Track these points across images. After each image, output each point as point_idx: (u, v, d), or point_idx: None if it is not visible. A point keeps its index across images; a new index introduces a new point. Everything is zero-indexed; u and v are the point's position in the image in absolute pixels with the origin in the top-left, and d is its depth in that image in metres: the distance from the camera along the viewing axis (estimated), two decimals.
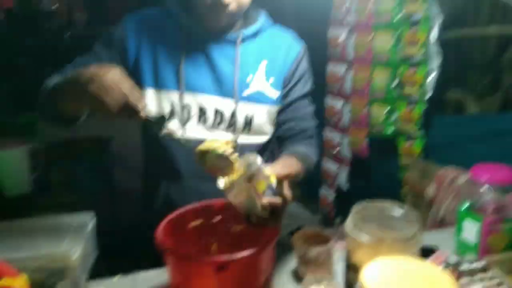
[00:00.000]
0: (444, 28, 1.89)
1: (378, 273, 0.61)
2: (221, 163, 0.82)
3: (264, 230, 0.94)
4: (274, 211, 0.82)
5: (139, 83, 1.05)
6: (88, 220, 0.88)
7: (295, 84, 1.15)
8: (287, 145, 1.15)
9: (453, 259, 0.86)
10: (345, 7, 2.22)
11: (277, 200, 0.81)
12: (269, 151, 1.19)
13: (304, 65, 1.17)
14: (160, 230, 0.86)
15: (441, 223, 1.72)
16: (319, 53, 1.21)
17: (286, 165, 0.99)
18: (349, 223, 0.78)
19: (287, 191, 0.84)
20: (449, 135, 1.96)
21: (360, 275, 0.61)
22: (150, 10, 1.12)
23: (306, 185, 3.01)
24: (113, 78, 0.76)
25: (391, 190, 2.14)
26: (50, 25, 7.84)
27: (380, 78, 2.08)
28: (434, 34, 1.87)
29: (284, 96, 1.14)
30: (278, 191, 0.82)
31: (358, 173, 2.40)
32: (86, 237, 0.84)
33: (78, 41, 7.00)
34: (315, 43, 1.20)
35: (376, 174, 2.36)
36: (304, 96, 1.17)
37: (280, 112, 1.15)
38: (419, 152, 2.00)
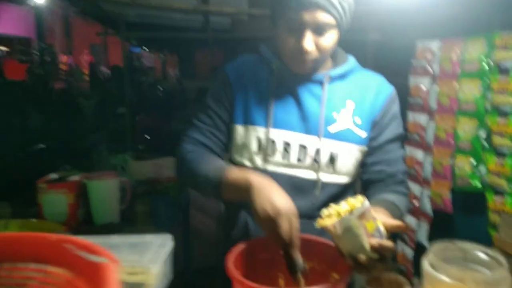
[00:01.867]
0: None
1: None
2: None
3: (335, 269, 0.92)
4: (382, 257, 0.79)
5: (232, 121, 1.15)
6: (167, 241, 0.94)
7: (386, 126, 1.13)
8: (374, 190, 1.12)
9: None
10: (427, 56, 2.20)
11: (388, 243, 0.78)
12: (351, 194, 1.17)
13: (395, 108, 1.15)
14: (231, 259, 0.88)
15: None
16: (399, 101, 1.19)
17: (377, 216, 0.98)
18: (426, 261, 0.73)
19: (390, 243, 0.80)
20: None
21: None
22: (246, 57, 1.23)
23: None
24: (291, 214, 0.87)
25: None
26: (147, 78, 8.72)
27: (466, 128, 1.97)
28: None
29: (373, 138, 1.12)
30: (385, 237, 0.81)
31: (440, 229, 2.23)
32: (165, 256, 0.89)
33: (170, 93, 7.70)
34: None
35: (461, 232, 2.17)
36: (394, 140, 1.14)
37: (369, 155, 1.13)
38: (510, 209, 1.82)
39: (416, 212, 2.30)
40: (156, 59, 13.42)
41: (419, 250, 2.28)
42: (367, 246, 0.77)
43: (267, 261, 0.98)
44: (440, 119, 2.12)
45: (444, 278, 0.68)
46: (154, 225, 1.91)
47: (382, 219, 0.83)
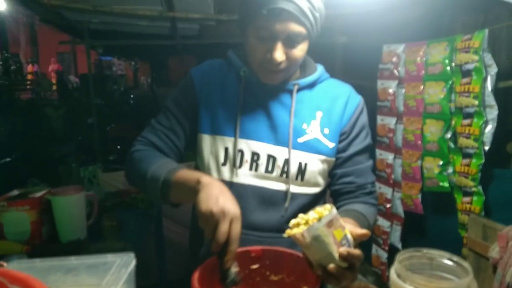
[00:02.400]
0: (501, 78, 1.83)
1: None
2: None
3: (304, 281, 0.90)
4: (351, 265, 0.78)
5: (197, 129, 1.11)
6: (129, 261, 0.89)
7: (354, 138, 1.11)
8: (344, 201, 1.11)
9: None
10: (393, 60, 2.23)
11: (356, 251, 0.77)
12: (321, 204, 1.15)
13: (363, 118, 1.12)
14: (196, 277, 0.84)
15: None
16: (367, 106, 1.18)
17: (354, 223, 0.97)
18: (393, 272, 0.72)
19: (358, 252, 0.79)
20: (511, 190, 1.81)
21: None
22: (214, 61, 1.18)
23: (358, 244, 2.87)
24: (233, 214, 0.81)
25: (450, 250, 1.97)
26: (119, 87, 8.55)
27: (433, 130, 2.01)
28: (489, 84, 1.80)
29: (342, 149, 1.10)
30: (355, 246, 0.80)
31: (412, 230, 2.26)
32: (126, 277, 0.85)
33: (142, 101, 7.58)
34: (362, 96, 1.17)
35: (433, 232, 2.21)
36: (363, 151, 1.12)
37: (337, 166, 1.11)
38: (479, 209, 1.86)
39: (388, 214, 2.33)
40: (127, 67, 13.20)
41: (393, 252, 2.30)
42: (336, 255, 0.76)
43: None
44: (408, 122, 2.15)
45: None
46: (124, 239, 1.85)
47: (349, 228, 0.82)
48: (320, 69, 1.15)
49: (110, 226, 1.84)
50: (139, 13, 2.55)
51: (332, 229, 0.75)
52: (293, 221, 0.83)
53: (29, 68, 9.28)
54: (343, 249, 0.76)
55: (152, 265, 2.70)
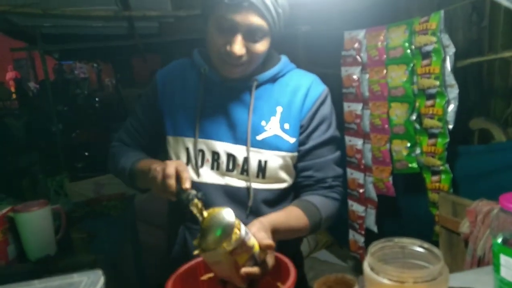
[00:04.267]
0: (459, 57, 1.87)
1: None
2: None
3: (279, 280, 0.89)
4: (252, 281, 0.81)
5: (163, 132, 1.13)
6: (96, 279, 0.86)
7: (314, 130, 1.07)
8: (303, 195, 1.09)
9: None
10: (355, 46, 2.24)
11: (255, 270, 0.79)
12: (290, 199, 1.13)
13: (325, 109, 1.08)
14: (170, 284, 0.82)
15: (480, 263, 1.59)
16: (333, 93, 1.15)
17: (286, 215, 0.98)
18: (366, 264, 0.71)
19: (270, 258, 0.82)
20: (477, 166, 1.87)
21: None
22: (178, 61, 1.19)
23: (335, 230, 2.91)
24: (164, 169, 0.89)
25: (424, 229, 2.03)
26: (82, 90, 8.28)
27: (398, 113, 2.04)
28: (448, 64, 1.84)
29: (301, 143, 1.08)
30: (260, 259, 0.81)
31: (386, 213, 2.30)
32: None
33: (108, 103, 7.37)
34: (328, 84, 1.14)
35: (406, 213, 2.26)
36: (323, 144, 1.08)
37: (298, 159, 1.09)
38: (447, 187, 1.91)
39: (362, 199, 2.36)
40: (90, 69, 12.80)
41: (370, 236, 2.34)
42: (236, 278, 0.79)
43: (212, 281, 0.93)
44: (373, 107, 2.17)
45: (384, 280, 0.67)
46: (97, 250, 1.79)
47: (258, 238, 0.82)
48: (282, 61, 1.11)
49: (80, 239, 1.78)
50: (93, 14, 2.45)
51: (235, 256, 0.76)
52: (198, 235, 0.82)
53: None
54: (244, 271, 0.78)
55: (130, 272, 2.65)
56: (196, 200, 0.84)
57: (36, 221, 1.67)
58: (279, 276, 0.89)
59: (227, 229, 0.75)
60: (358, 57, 2.24)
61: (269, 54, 1.11)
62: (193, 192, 0.86)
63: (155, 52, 5.75)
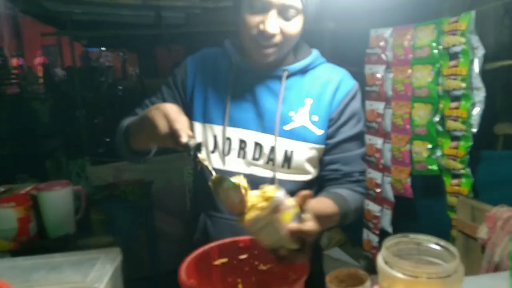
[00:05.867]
0: (489, 59, 1.82)
1: None
2: (234, 196, 0.78)
3: (292, 269, 0.90)
4: (302, 243, 0.77)
5: (191, 118, 1.12)
6: (114, 256, 0.88)
7: (343, 124, 1.07)
8: (328, 188, 1.09)
9: None
10: (381, 44, 2.21)
11: (306, 226, 0.76)
12: (314, 192, 1.11)
13: (355, 105, 1.08)
14: (184, 268, 0.83)
15: (496, 269, 1.56)
16: None
17: (317, 202, 0.96)
18: (380, 258, 0.71)
19: (312, 221, 0.78)
20: (499, 171, 1.82)
21: None
22: (209, 49, 1.19)
23: (349, 229, 2.89)
24: (164, 109, 0.85)
25: (440, 232, 1.97)
26: (106, 79, 8.43)
27: (421, 114, 2.01)
28: (476, 67, 1.80)
29: (330, 136, 1.08)
30: (303, 220, 0.78)
31: (402, 214, 2.27)
32: (111, 273, 0.84)
33: (130, 92, 7.48)
34: None
35: (422, 215, 2.23)
36: (352, 138, 1.08)
37: (325, 153, 1.09)
38: (467, 191, 1.87)
39: (378, 199, 2.34)
40: (115, 58, 13.00)
41: (384, 236, 2.32)
42: (285, 238, 0.75)
43: (225, 266, 0.95)
44: (396, 106, 2.14)
45: (398, 274, 0.67)
46: (113, 233, 1.83)
47: (299, 202, 0.79)
48: (314, 54, 1.12)
49: (99, 220, 1.82)
50: (122, 2, 2.49)
51: (279, 214, 0.74)
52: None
53: (14, 62, 9.09)
54: (294, 226, 0.75)
55: (145, 257, 2.70)
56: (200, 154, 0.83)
57: (58, 200, 1.71)
58: (293, 267, 0.90)
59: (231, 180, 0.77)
60: (383, 55, 2.21)
61: (301, 46, 1.12)
62: (196, 141, 0.85)
63: (180, 43, 5.78)
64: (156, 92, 1.21)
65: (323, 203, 0.98)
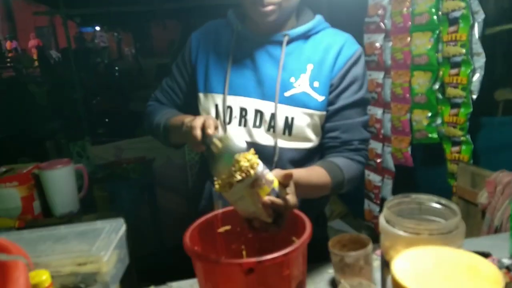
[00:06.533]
0: (488, 24, 1.79)
1: (410, 263, 0.56)
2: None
3: (295, 235, 0.91)
4: (277, 216, 0.79)
5: (195, 90, 1.14)
6: (119, 226, 0.89)
7: (344, 90, 1.04)
8: (327, 156, 1.08)
9: (507, 261, 0.78)
10: (379, 12, 2.18)
11: (279, 201, 0.77)
12: (316, 160, 1.11)
13: (357, 70, 1.05)
14: (188, 235, 0.84)
15: (496, 232, 1.58)
16: None
17: (307, 171, 0.96)
18: (382, 219, 0.72)
19: (291, 195, 0.79)
20: (499, 137, 1.83)
21: (391, 265, 0.55)
22: (213, 21, 1.19)
23: (350, 200, 2.92)
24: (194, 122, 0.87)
25: None
26: (102, 59, 8.35)
27: (420, 82, 1.99)
28: (476, 32, 1.77)
29: (330, 102, 1.05)
30: (281, 195, 0.79)
31: (403, 184, 2.29)
32: (116, 242, 0.85)
33: (127, 72, 7.43)
34: None
35: (423, 184, 2.24)
36: (353, 105, 1.05)
37: (326, 120, 1.07)
38: (467, 158, 1.88)
39: (379, 169, 2.35)
40: (110, 38, 12.84)
41: None
42: (260, 212, 0.77)
43: (228, 234, 0.96)
44: (395, 75, 2.13)
45: (400, 232, 0.68)
46: (117, 210, 1.85)
47: (276, 173, 0.81)
48: (317, 18, 1.09)
49: (102, 197, 1.84)
50: None
51: (256, 189, 0.75)
52: (220, 172, 0.80)
53: (8, 45, 8.99)
54: (267, 199, 0.76)
55: (148, 234, 2.73)
56: (215, 139, 0.82)
57: (60, 179, 1.72)
58: (295, 231, 0.91)
59: (238, 152, 0.76)
60: (381, 24, 2.18)
61: (304, 11, 1.10)
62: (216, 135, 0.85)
63: (175, 19, 5.70)
64: (170, 72, 1.24)
65: (313, 173, 0.98)
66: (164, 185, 2.90)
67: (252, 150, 0.78)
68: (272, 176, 0.78)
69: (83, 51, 7.68)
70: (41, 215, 1.74)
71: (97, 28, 11.54)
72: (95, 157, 2.84)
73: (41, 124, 4.40)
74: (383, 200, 2.37)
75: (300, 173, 0.92)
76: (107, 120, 4.72)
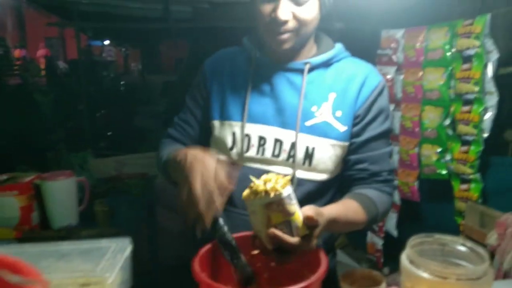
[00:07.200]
0: (501, 64, 1.80)
1: None
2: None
3: (307, 267, 0.87)
4: (282, 249, 0.77)
5: (209, 118, 1.11)
6: (125, 246, 0.85)
7: (370, 122, 1.03)
8: (356, 188, 1.05)
9: None
10: (392, 45, 2.19)
11: (284, 237, 0.75)
12: (332, 193, 1.10)
13: (382, 101, 1.04)
14: (197, 261, 0.81)
15: (506, 276, 1.54)
16: None
17: (342, 206, 0.94)
18: (404, 257, 0.69)
19: (308, 239, 0.77)
20: (509, 179, 1.80)
21: None
22: (226, 49, 1.17)
23: (350, 231, 2.87)
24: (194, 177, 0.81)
25: None
26: (109, 73, 8.41)
27: (431, 116, 1.99)
28: (489, 71, 1.78)
29: (356, 134, 1.03)
30: (296, 233, 0.76)
31: (408, 218, 2.25)
32: (122, 262, 0.81)
33: (132, 87, 7.47)
34: None
35: (429, 219, 2.20)
36: (379, 136, 1.04)
37: (351, 152, 1.04)
38: (476, 197, 1.85)
39: None
40: (117, 53, 12.99)
41: (388, 239, 2.30)
42: (263, 236, 0.77)
43: None
44: (405, 108, 2.12)
45: (424, 274, 0.64)
46: (115, 226, 1.81)
47: (304, 210, 0.78)
48: (337, 47, 1.08)
49: (102, 212, 1.80)
50: None
51: (270, 212, 0.74)
52: (264, 177, 0.79)
53: (17, 53, 9.05)
54: (272, 230, 0.75)
55: (145, 252, 2.67)
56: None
57: (61, 190, 1.69)
58: (307, 265, 0.87)
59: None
60: (394, 56, 2.19)
61: (324, 39, 1.09)
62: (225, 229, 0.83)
63: (186, 39, 5.78)
64: (184, 105, 1.19)
65: (349, 209, 0.95)
66: (164, 203, 2.85)
67: (288, 177, 0.77)
68: (295, 210, 0.76)
69: (90, 64, 7.75)
70: (38, 226, 1.69)
71: (106, 42, 11.69)
72: (96, 170, 2.81)
73: (43, 133, 4.39)
74: (387, 234, 2.32)
75: (338, 211, 0.89)
76: (109, 133, 4.71)
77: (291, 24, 0.95)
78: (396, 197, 2.23)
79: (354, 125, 1.03)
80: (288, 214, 0.75)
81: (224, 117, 1.07)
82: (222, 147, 1.07)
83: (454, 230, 1.95)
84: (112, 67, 9.92)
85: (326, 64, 1.05)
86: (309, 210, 0.78)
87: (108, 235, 1.58)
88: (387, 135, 1.06)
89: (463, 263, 0.69)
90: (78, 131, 3.92)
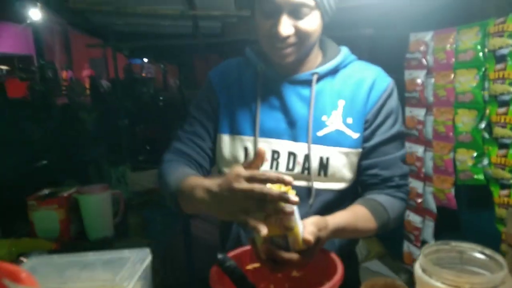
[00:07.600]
0: None
1: None
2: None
3: (327, 277, 0.86)
4: (275, 260, 0.77)
5: (217, 130, 1.10)
6: (144, 256, 0.89)
7: (380, 125, 1.02)
8: (368, 194, 1.04)
9: None
10: (421, 48, 2.14)
11: (276, 253, 0.76)
12: (350, 200, 1.07)
13: (392, 103, 1.02)
14: (214, 272, 0.82)
15: None
16: None
17: (351, 213, 0.93)
18: (417, 267, 0.67)
19: (302, 258, 0.77)
20: None
21: None
22: (232, 60, 1.16)
23: (388, 241, 2.78)
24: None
25: (488, 246, 1.87)
26: (148, 89, 8.72)
27: (465, 120, 1.91)
28: None
29: (366, 139, 1.02)
30: (292, 249, 0.76)
31: (446, 226, 2.16)
32: (141, 273, 0.84)
33: (171, 103, 7.71)
34: None
35: (468, 228, 2.10)
36: (390, 140, 1.02)
37: (362, 157, 1.03)
38: None
39: (420, 209, 2.23)
40: (156, 70, 13.46)
41: None
42: (258, 245, 0.78)
43: (257, 271, 0.93)
44: (438, 113, 2.05)
45: (437, 283, 0.62)
46: (150, 237, 1.86)
47: (308, 232, 0.76)
48: (343, 52, 1.07)
49: (137, 224, 1.86)
50: (161, 12, 2.57)
51: (267, 223, 0.73)
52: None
53: (64, 74, 9.61)
54: (264, 246, 0.76)
55: (181, 264, 2.72)
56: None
57: (97, 204, 1.77)
58: (327, 275, 0.86)
59: None
60: (423, 60, 2.13)
61: (329, 45, 1.08)
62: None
63: (216, 53, 5.91)
64: (188, 118, 1.14)
65: (358, 217, 0.94)
66: (199, 216, 2.90)
67: (293, 191, 0.74)
68: (295, 225, 0.74)
69: (130, 81, 8.08)
70: (76, 238, 1.78)
71: (145, 59, 12.15)
72: (133, 183, 2.92)
73: (87, 148, 4.60)
74: (424, 243, 2.24)
75: (346, 219, 0.89)
76: (148, 148, 4.87)
77: (293, 38, 0.95)
78: (432, 205, 2.15)
79: (364, 129, 1.02)
80: (286, 229, 0.74)
81: (235, 131, 1.06)
82: (233, 162, 1.07)
83: (496, 238, 1.84)
84: (151, 83, 10.28)
85: (334, 71, 1.04)
86: (311, 226, 0.78)
87: (139, 246, 1.64)
88: (398, 139, 1.04)
89: (481, 271, 0.66)
90: (118, 146, 4.08)
